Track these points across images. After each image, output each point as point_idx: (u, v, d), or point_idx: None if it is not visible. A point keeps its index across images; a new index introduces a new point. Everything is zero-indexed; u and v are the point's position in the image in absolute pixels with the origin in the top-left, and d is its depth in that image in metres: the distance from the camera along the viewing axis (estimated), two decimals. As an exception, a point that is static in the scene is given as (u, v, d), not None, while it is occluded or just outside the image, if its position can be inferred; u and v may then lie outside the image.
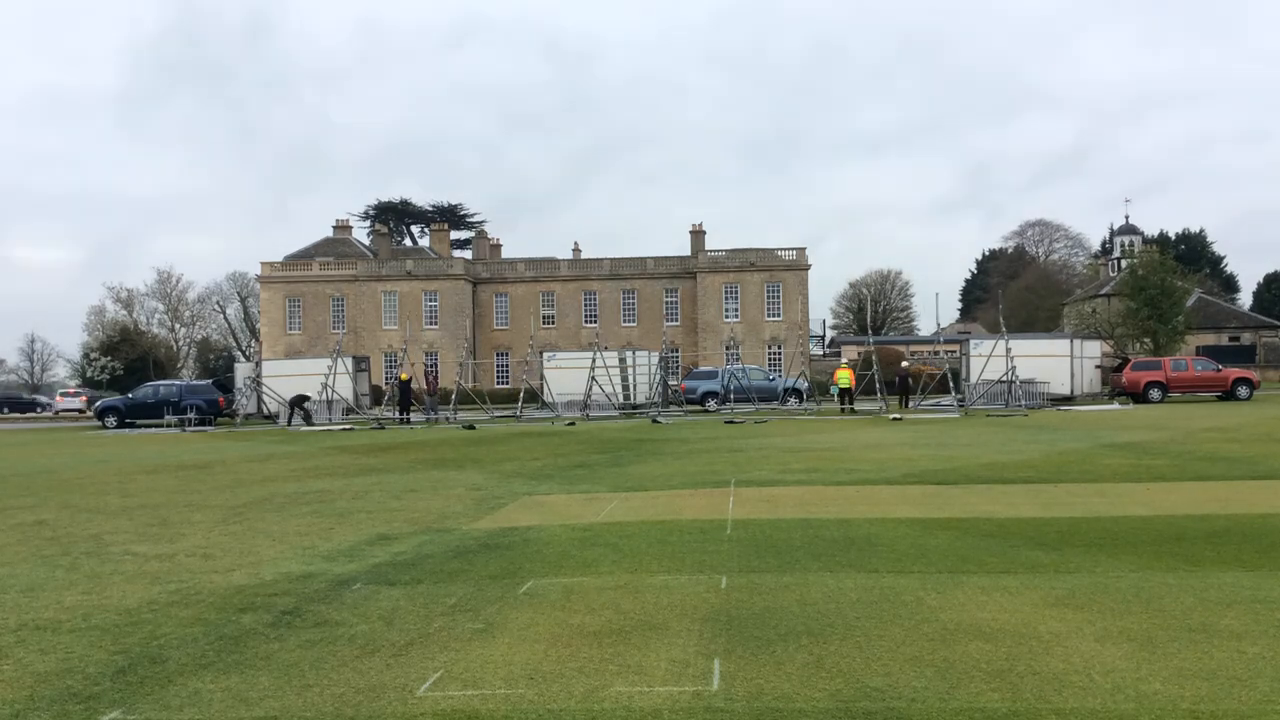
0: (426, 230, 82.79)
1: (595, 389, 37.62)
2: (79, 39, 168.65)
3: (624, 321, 66.23)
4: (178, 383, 45.88)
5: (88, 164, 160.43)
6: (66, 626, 6.19)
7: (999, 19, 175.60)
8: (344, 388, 39.39)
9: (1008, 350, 35.55)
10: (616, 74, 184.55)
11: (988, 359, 36.73)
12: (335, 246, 70.97)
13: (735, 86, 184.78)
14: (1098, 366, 41.91)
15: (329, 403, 38.17)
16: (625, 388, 40.11)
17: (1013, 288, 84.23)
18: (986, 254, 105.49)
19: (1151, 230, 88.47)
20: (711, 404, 40.78)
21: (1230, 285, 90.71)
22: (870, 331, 50.01)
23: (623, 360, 40.85)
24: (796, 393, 40.53)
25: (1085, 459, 15.79)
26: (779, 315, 63.68)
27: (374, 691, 4.70)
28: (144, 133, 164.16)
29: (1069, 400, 38.32)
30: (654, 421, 32.08)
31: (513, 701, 4.50)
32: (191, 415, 38.45)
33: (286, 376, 40.01)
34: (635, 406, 39.50)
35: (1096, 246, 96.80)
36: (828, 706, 4.31)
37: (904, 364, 41.78)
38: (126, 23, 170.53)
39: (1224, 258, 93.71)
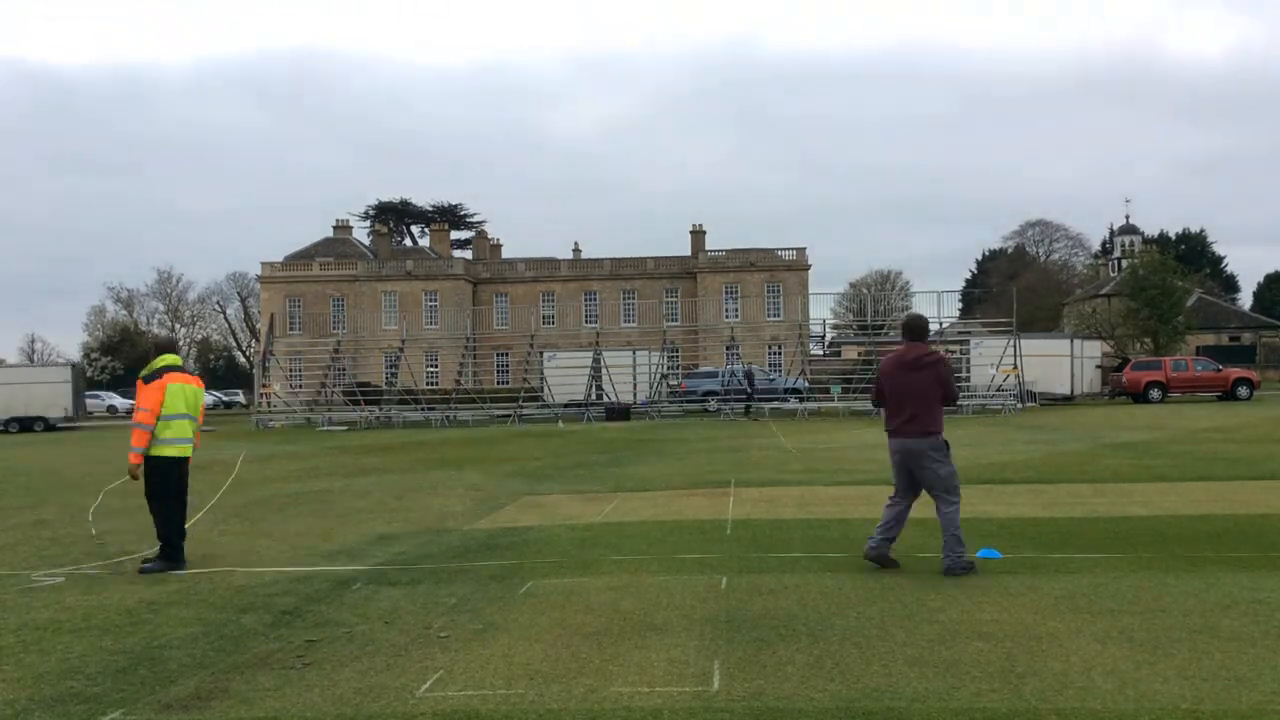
0: (426, 230, 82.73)
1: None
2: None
3: (624, 321, 66.17)
4: None
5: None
6: (66, 626, 6.18)
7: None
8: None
9: (1018, 349, 35.50)
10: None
11: (1000, 357, 36.64)
12: (335, 246, 70.92)
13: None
14: (1098, 366, 41.91)
15: (328, 401, 38.23)
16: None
17: (1013, 288, 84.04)
18: (987, 254, 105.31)
19: (1151, 230, 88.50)
20: (712, 403, 40.77)
21: (1230, 285, 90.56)
22: (871, 331, 49.98)
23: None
24: (796, 392, 40.52)
25: (1085, 459, 15.79)
26: (779, 315, 63.68)
27: (374, 692, 4.70)
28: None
29: (1069, 400, 38.31)
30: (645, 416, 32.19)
31: (512, 702, 4.49)
32: None
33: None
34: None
35: (1097, 246, 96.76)
36: (828, 707, 4.31)
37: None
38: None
39: (1224, 258, 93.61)
